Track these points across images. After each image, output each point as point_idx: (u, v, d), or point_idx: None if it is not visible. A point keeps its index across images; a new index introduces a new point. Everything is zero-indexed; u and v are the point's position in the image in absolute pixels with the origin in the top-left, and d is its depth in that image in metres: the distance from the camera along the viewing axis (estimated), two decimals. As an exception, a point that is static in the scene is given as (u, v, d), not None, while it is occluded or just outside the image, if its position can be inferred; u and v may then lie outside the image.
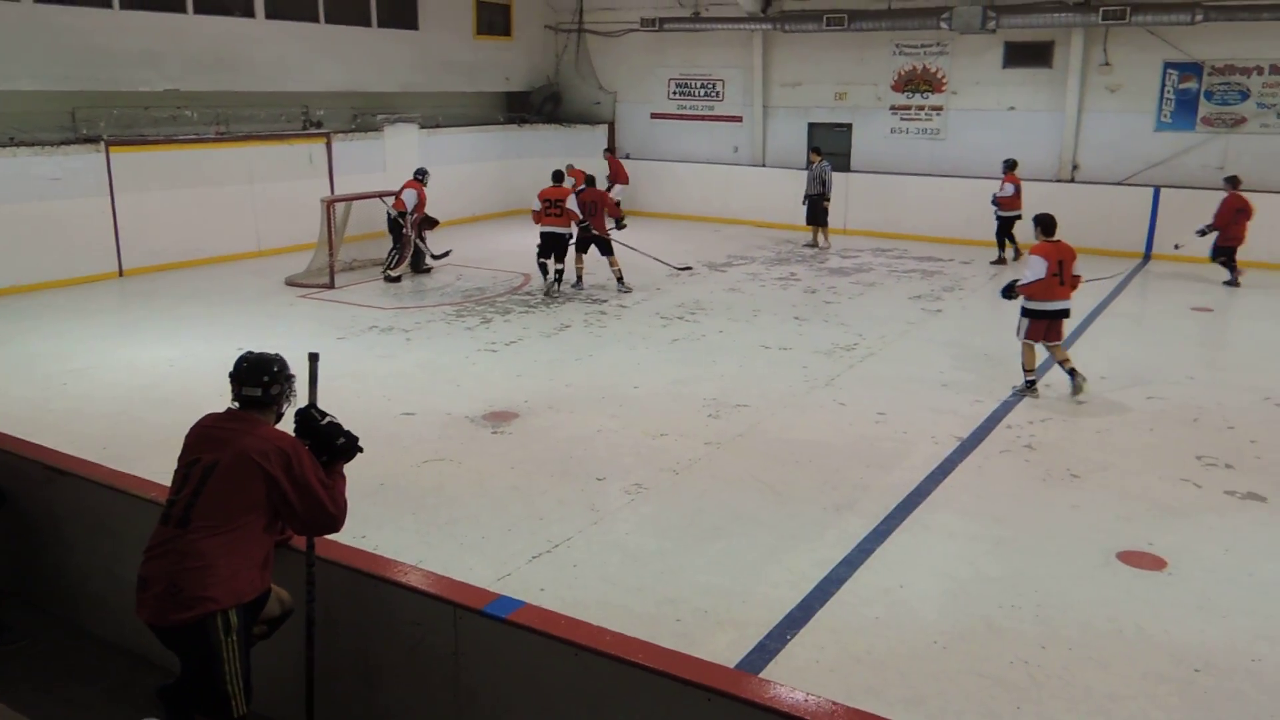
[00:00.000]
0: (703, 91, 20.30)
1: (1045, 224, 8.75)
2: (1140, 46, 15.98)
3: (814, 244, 16.83)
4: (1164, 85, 16.01)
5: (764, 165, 19.62)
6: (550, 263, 12.79)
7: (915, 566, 5.81)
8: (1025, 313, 8.75)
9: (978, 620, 5.20)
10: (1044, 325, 8.71)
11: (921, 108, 18.06)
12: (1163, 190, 15.74)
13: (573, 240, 12.87)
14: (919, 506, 6.60)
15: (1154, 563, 5.84)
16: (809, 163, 17.06)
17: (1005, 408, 8.57)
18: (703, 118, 20.30)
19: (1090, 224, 15.39)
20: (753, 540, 6.14)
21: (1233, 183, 13.55)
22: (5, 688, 3.80)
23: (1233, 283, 13.60)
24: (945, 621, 5.20)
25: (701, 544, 6.09)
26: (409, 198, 13.74)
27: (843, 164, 18.69)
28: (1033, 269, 8.53)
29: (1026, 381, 8.92)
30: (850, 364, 9.93)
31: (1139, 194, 15.95)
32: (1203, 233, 13.54)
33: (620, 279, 13.10)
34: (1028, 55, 16.98)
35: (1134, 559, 5.87)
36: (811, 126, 19.17)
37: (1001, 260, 15.33)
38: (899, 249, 16.52)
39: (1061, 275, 8.54)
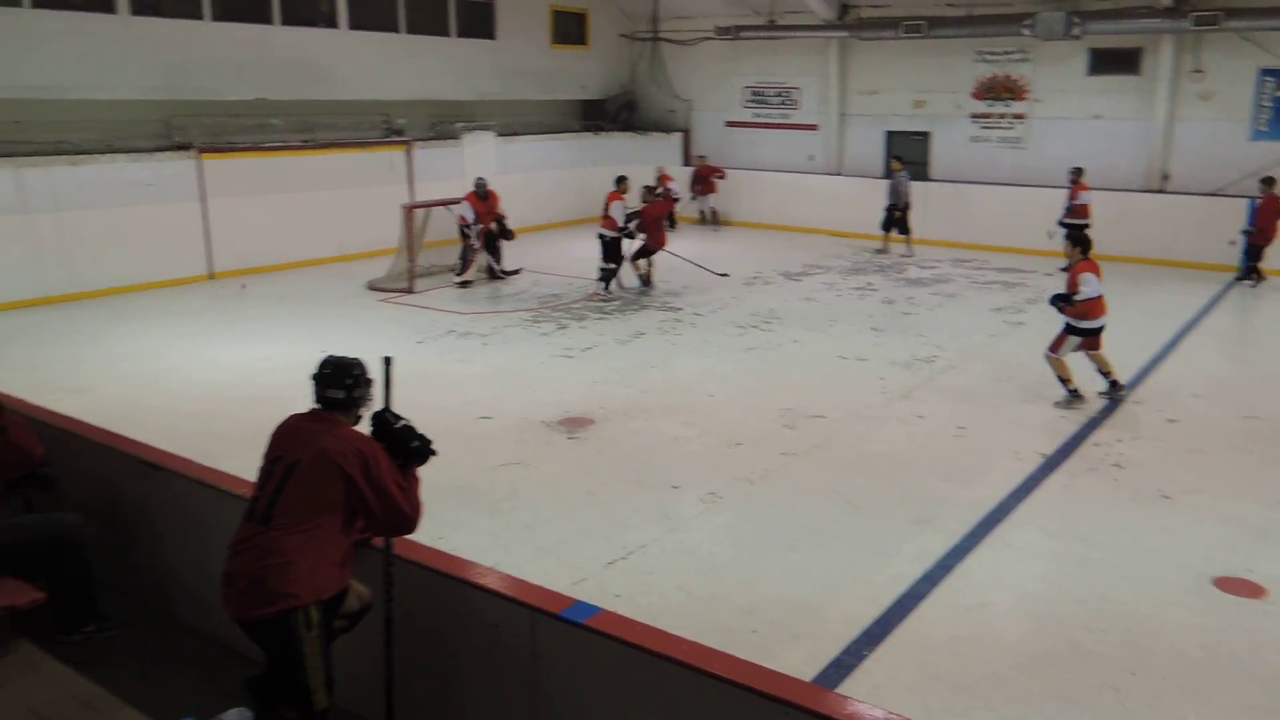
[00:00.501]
0: (778, 99, 20.20)
1: (1085, 242, 8.88)
2: (1234, 53, 15.41)
3: (884, 250, 16.94)
4: (1259, 92, 15.43)
5: (840, 174, 19.42)
6: (600, 262, 13.40)
7: (997, 585, 5.67)
8: (1072, 330, 8.78)
9: (1063, 643, 5.04)
10: (1086, 341, 8.81)
11: (1003, 116, 17.70)
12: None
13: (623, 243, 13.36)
14: (1001, 524, 6.44)
15: (1252, 590, 5.60)
16: (889, 172, 17.01)
17: (1092, 424, 8.33)
18: (778, 126, 20.20)
19: (1181, 236, 14.95)
20: (829, 553, 6.06)
21: (1269, 184, 13.77)
22: (105, 673, 3.92)
23: (1256, 278, 14.02)
24: (1029, 643, 5.06)
25: (777, 555, 6.03)
26: (466, 211, 13.86)
27: (920, 173, 18.41)
28: (1090, 286, 8.51)
29: (1071, 391, 8.84)
30: (929, 376, 9.75)
31: (1232, 205, 15.37)
32: (1247, 234, 13.93)
33: (645, 280, 13.59)
34: (1114, 62, 16.50)
35: (1231, 585, 5.63)
36: (889, 135, 18.92)
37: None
38: (979, 260, 16.20)
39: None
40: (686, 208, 19.41)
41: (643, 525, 6.37)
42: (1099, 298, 8.58)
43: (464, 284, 13.85)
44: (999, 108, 17.74)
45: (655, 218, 13.53)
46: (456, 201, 14.19)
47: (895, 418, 8.56)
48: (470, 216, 13.82)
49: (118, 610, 4.62)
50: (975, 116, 17.96)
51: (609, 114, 21.56)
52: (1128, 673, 4.78)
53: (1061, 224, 14.49)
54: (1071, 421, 8.37)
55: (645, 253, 13.53)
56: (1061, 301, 8.78)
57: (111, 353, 10.37)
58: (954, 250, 17.05)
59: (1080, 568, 5.87)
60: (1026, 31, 16.20)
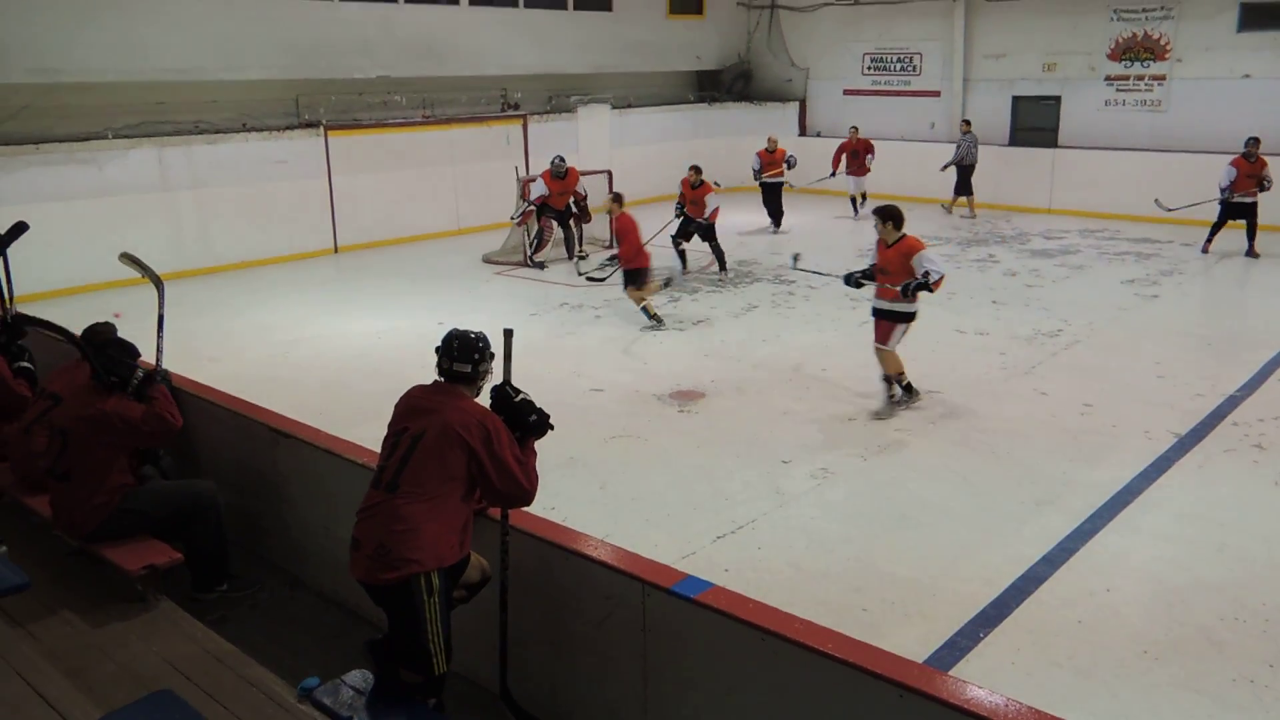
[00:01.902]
0: (899, 66, 19.61)
1: (897, 217, 7.70)
2: (1406, 2, 14.21)
3: (950, 210, 17.36)
4: None
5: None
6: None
7: (1124, 570, 5.44)
8: (908, 318, 7.83)
9: (1194, 631, 4.82)
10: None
11: (1141, 77, 16.74)
12: None
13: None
14: (1129, 506, 6.17)
15: None
16: (963, 133, 17.01)
17: (1231, 403, 7.88)
18: (898, 93, 19.62)
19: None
20: (944, 532, 5.93)
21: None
22: (235, 630, 4.15)
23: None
24: (1156, 630, 4.85)
25: (890, 533, 5.93)
26: (539, 188, 13.44)
27: (1049, 139, 17.65)
28: (940, 262, 7.66)
29: (906, 385, 8.00)
30: (1053, 351, 9.38)
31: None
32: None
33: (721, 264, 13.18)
34: (1268, 16, 15.37)
35: (1384, 576, 5.28)
36: (1016, 100, 18.16)
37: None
38: (1110, 230, 15.44)
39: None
40: (830, 185, 17.93)
41: (753, 500, 6.35)
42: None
43: (540, 265, 13.56)
44: (1136, 69, 16.79)
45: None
46: (589, 174, 14.23)
47: (1016, 394, 8.27)
48: (541, 193, 13.41)
49: (249, 571, 4.87)
50: (1110, 79, 17.05)
51: (724, 84, 21.33)
52: (1266, 664, 4.53)
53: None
54: (1209, 400, 7.93)
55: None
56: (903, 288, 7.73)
57: (244, 324, 10.88)
58: (1083, 220, 16.30)
59: (1215, 554, 5.58)
60: (1169, -14, 15.29)
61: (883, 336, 7.89)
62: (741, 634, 3.18)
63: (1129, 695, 4.38)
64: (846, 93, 20.25)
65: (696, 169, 13.08)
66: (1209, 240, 13.59)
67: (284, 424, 4.93)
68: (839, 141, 18.13)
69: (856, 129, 17.30)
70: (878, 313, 7.93)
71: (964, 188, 16.96)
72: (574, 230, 14.03)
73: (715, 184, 13.41)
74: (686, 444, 7.35)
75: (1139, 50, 16.72)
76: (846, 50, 20.09)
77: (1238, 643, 4.72)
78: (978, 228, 15.93)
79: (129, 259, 4.99)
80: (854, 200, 17.34)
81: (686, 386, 8.50)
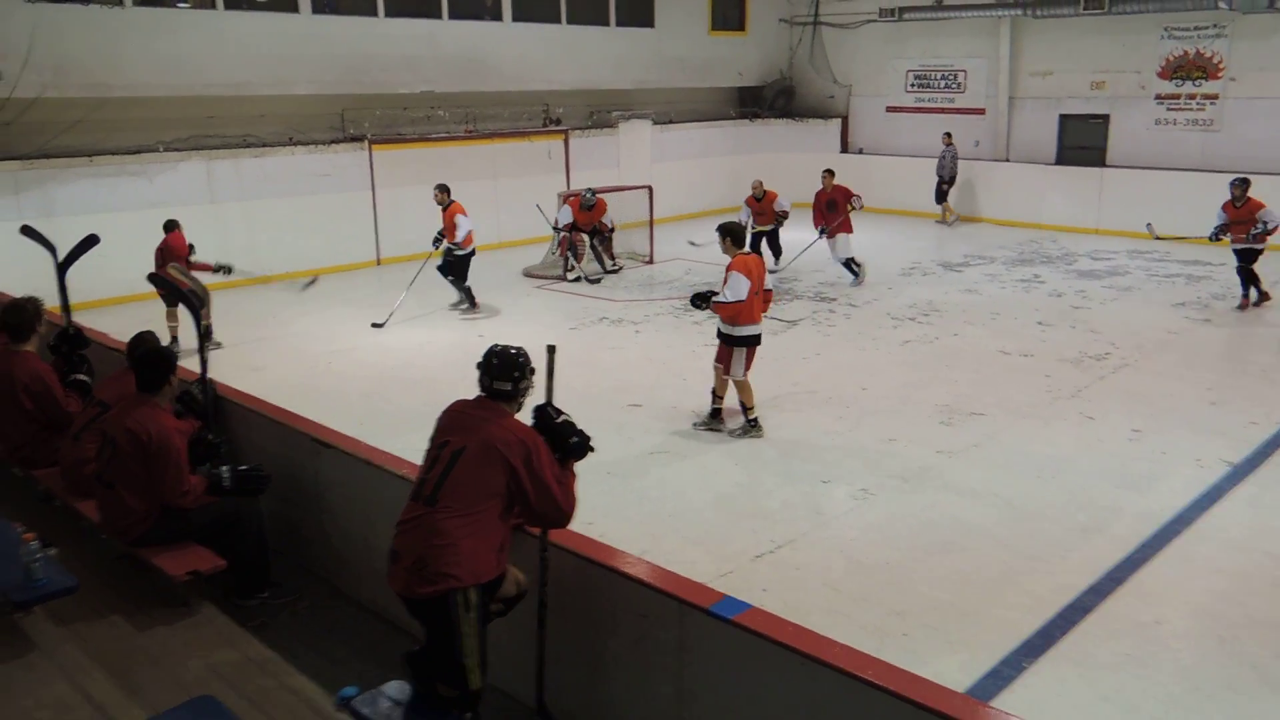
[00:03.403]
0: (943, 83, 19.48)
1: (733, 234, 7.53)
2: None
3: (945, 220, 17.87)
4: None
5: (1007, 160, 18.57)
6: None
7: (1174, 602, 5.31)
8: (736, 341, 7.58)
9: (1248, 669, 4.68)
10: (752, 353, 7.65)
11: (1193, 96, 16.49)
12: None
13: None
14: (1180, 535, 6.03)
15: None
16: (945, 145, 17.85)
17: (1286, 431, 7.69)
18: (942, 110, 19.47)
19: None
20: (987, 557, 5.82)
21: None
22: (275, 638, 4.17)
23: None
24: (1209, 666, 4.72)
25: (931, 556, 5.84)
26: (564, 215, 13.61)
27: (1097, 158, 17.42)
28: (734, 287, 7.34)
29: (751, 420, 7.74)
30: (1101, 375, 9.21)
31: None
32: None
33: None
34: (1324, 36, 15.12)
35: None
36: (1063, 118, 17.95)
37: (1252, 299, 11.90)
38: (1160, 251, 15.16)
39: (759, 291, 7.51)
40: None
41: (792, 519, 6.28)
42: (752, 299, 7.42)
43: (577, 279, 13.67)
44: (1188, 87, 16.54)
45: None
46: (615, 190, 14.30)
47: (1062, 418, 8.13)
48: (562, 220, 13.61)
49: (290, 579, 4.89)
50: (1161, 97, 16.81)
51: (766, 101, 21.32)
52: (1323, 705, 4.39)
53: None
54: (1264, 428, 7.74)
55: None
56: (699, 300, 7.64)
57: (287, 333, 11.00)
58: (1132, 241, 16.03)
59: (1271, 588, 5.43)
60: (1224, 4, 15.04)
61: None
62: (780, 657, 3.13)
63: (1180, 731, 4.26)
64: (889, 110, 20.14)
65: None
66: (1244, 294, 11.78)
67: (326, 434, 4.96)
68: (879, 159, 18.16)
69: (831, 173, 13.51)
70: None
71: (941, 196, 17.99)
72: (598, 248, 14.15)
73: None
74: (725, 461, 7.30)
75: (1191, 69, 16.48)
76: (890, 67, 19.99)
77: (1293, 679, 4.57)
78: (1024, 248, 15.73)
79: (178, 270, 5.06)
80: (849, 265, 13.23)
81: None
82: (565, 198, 14.12)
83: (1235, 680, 4.59)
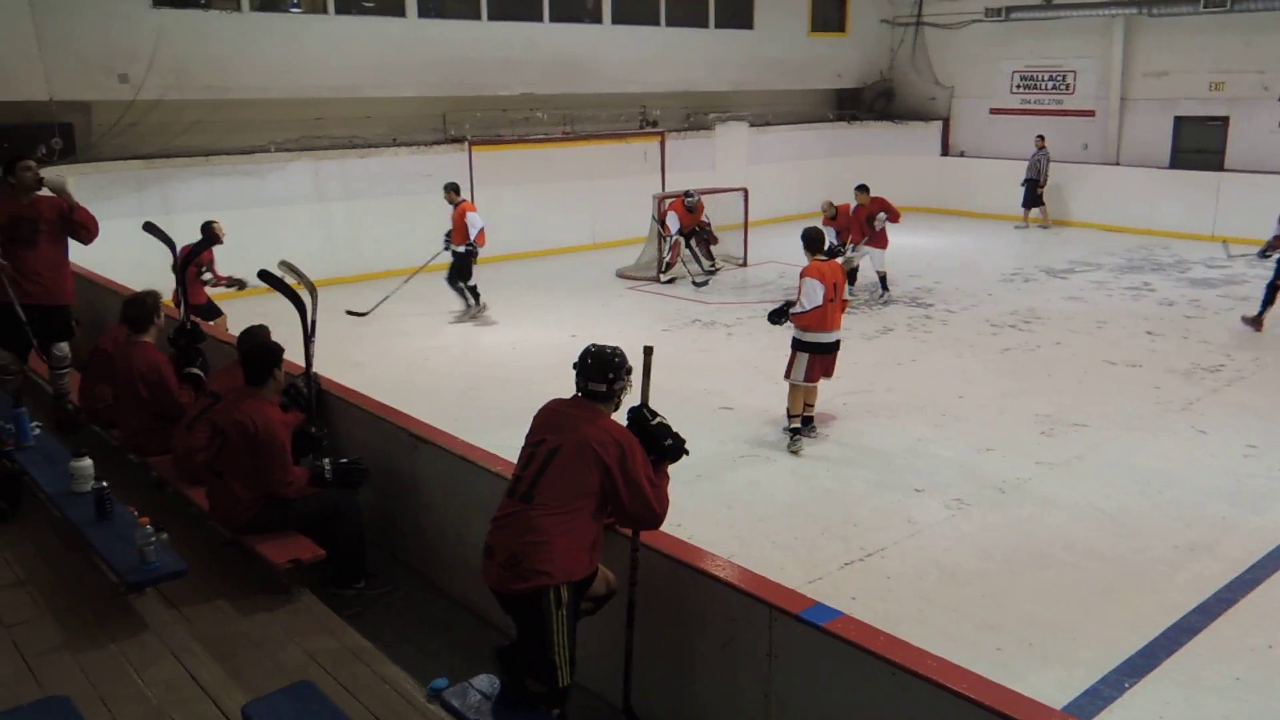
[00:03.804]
0: (1050, 84, 18.90)
1: (811, 240, 7.44)
2: None
3: (1025, 227, 17.62)
4: None
5: (1117, 163, 17.92)
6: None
7: (1289, 626, 5.06)
8: (800, 346, 7.42)
9: (1371, 699, 4.43)
10: (820, 360, 7.45)
11: (1320, 98, 15.65)
12: None
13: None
14: (1297, 557, 5.74)
15: None
16: (1037, 148, 17.57)
17: None
18: (1048, 112, 18.90)
19: None
20: (1088, 572, 5.64)
21: None
22: (370, 627, 4.29)
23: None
24: (1326, 694, 4.48)
25: (1028, 570, 5.68)
26: (671, 221, 13.57)
27: (1215, 162, 16.67)
28: (808, 294, 7.22)
29: (793, 429, 7.52)
30: (1214, 387, 8.82)
31: None
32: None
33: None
34: None
35: None
36: (1179, 120, 17.24)
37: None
38: (1281, 260, 14.43)
39: (836, 298, 7.34)
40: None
41: (883, 527, 6.19)
42: (826, 305, 7.30)
43: (669, 281, 13.70)
44: (1316, 88, 15.71)
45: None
46: (709, 192, 14.28)
47: (1171, 430, 7.82)
48: (674, 227, 13.59)
49: (385, 571, 5.02)
50: (1286, 99, 16.00)
51: (865, 103, 21.01)
52: None
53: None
54: (1392, 447, 7.32)
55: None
56: (776, 314, 7.54)
57: (388, 330, 11.28)
58: (1252, 248, 15.25)
59: (1396, 616, 5.13)
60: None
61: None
62: (871, 666, 3.09)
63: (1293, 763, 4.06)
64: (993, 112, 19.64)
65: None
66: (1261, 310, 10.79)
67: (423, 429, 5.08)
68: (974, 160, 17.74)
69: (865, 189, 12.39)
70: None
71: (1033, 200, 17.60)
72: (697, 249, 14.12)
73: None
74: (817, 467, 7.23)
75: (1318, 68, 15.65)
76: (995, 68, 19.49)
77: None
78: (1133, 255, 15.15)
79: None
80: (881, 278, 12.54)
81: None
82: (660, 200, 14.17)
83: (1356, 712, 4.36)
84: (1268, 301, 10.64)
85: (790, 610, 3.36)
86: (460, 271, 11.76)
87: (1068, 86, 18.65)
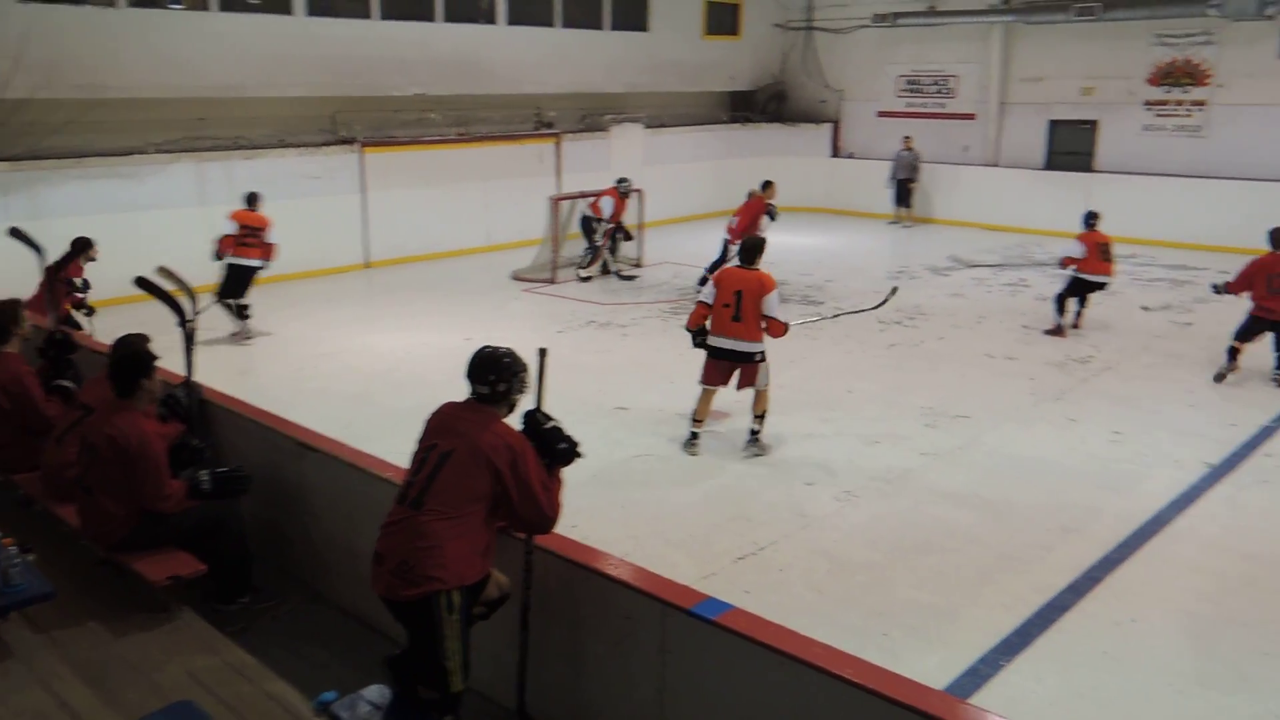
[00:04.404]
0: (934, 88, 19.56)
1: (743, 250, 7.34)
2: None
3: (898, 223, 18.49)
4: None
5: (997, 165, 18.66)
6: None
7: (1151, 601, 5.36)
8: (700, 344, 7.40)
9: (1222, 666, 4.74)
10: (714, 366, 7.38)
11: (1181, 103, 16.58)
12: None
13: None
14: (1157, 536, 6.10)
15: None
16: (904, 149, 18.46)
17: (1265, 433, 7.77)
18: (932, 115, 19.55)
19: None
20: (968, 558, 5.87)
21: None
22: (256, 643, 4.18)
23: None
24: (1183, 663, 4.78)
25: (912, 557, 5.89)
26: (605, 205, 13.77)
27: (1085, 164, 17.53)
28: (704, 292, 7.37)
29: (692, 434, 7.51)
30: (1084, 378, 9.28)
31: None
32: (1219, 290, 9.73)
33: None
34: (1311, 43, 15.24)
35: None
36: (1052, 124, 18.04)
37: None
38: (1145, 256, 15.25)
39: (738, 308, 7.11)
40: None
41: (775, 521, 6.32)
42: (720, 310, 7.27)
43: (587, 279, 13.84)
44: (1177, 94, 16.64)
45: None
46: (602, 194, 14.34)
47: (1045, 420, 8.20)
48: (607, 212, 13.77)
49: (272, 584, 4.90)
50: (1150, 104, 16.90)
51: (758, 105, 21.39)
52: (1296, 704, 4.45)
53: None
54: (1242, 430, 7.83)
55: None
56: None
57: (275, 337, 10.99)
58: (1118, 246, 16.04)
59: (1245, 586, 5.49)
60: (1213, 12, 15.17)
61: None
62: (761, 657, 3.17)
63: (1154, 730, 4.31)
64: (880, 114, 20.21)
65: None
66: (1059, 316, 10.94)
67: (310, 437, 4.98)
68: (870, 164, 18.29)
69: (770, 183, 12.87)
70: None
71: (905, 198, 18.57)
72: (617, 249, 14.27)
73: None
74: (709, 464, 7.34)
75: (1180, 75, 16.58)
76: (881, 72, 20.07)
77: (1267, 679, 4.64)
78: (1010, 253, 15.80)
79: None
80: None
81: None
82: (557, 201, 14.16)
83: (1209, 677, 4.65)
84: (1060, 311, 10.85)
85: (682, 606, 3.42)
86: (239, 285, 10.77)
87: (950, 91, 19.33)
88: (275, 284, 13.55)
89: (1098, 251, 10.70)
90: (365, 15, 14.77)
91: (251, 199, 11.14)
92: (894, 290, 9.82)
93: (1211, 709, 4.42)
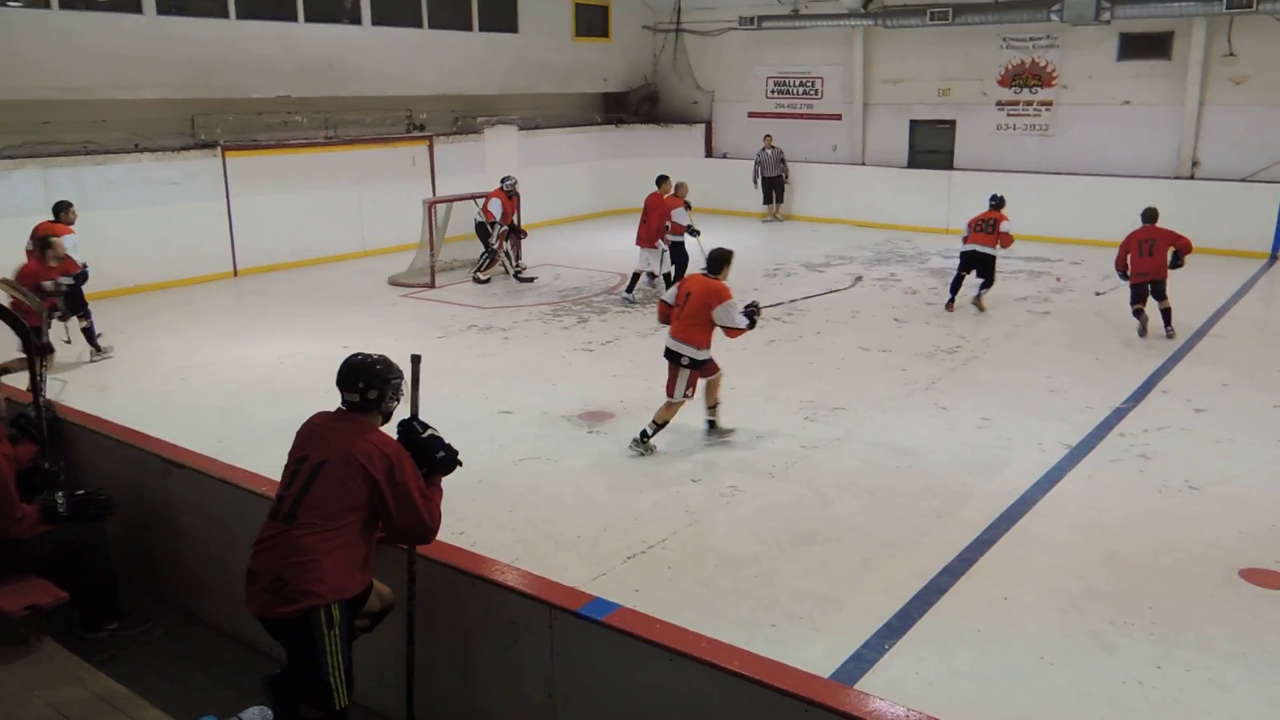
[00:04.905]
0: (801, 89, 20.07)
1: (710, 260, 7.58)
2: (1267, 35, 15.16)
3: (772, 219, 19.16)
4: (1293, 75, 15.19)
5: (863, 164, 19.29)
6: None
7: (1020, 578, 5.62)
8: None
9: (1087, 637, 5.00)
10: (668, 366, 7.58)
11: (1030, 103, 17.49)
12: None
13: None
14: (1024, 516, 6.39)
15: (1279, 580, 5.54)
16: (764, 148, 19.14)
17: (1118, 415, 8.24)
18: (800, 116, 20.07)
19: (1212, 223, 14.68)
20: (850, 546, 6.04)
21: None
22: (127, 670, 3.98)
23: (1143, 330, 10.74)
24: (1052, 637, 5.02)
25: (797, 548, 6.01)
26: (494, 207, 13.69)
27: (945, 162, 18.28)
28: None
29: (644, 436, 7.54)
30: (952, 367, 9.67)
31: (1265, 191, 15.15)
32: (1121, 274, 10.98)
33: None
34: (1144, 47, 16.27)
35: (1259, 577, 5.56)
36: (914, 124, 18.76)
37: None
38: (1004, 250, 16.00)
39: (683, 309, 7.43)
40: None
41: (663, 519, 6.37)
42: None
43: (484, 281, 13.79)
44: (1025, 95, 17.54)
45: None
46: (478, 196, 14.19)
47: (917, 409, 8.50)
48: (497, 213, 13.69)
49: (140, 608, 4.67)
50: (1001, 104, 17.77)
51: (631, 106, 21.52)
52: (1153, 666, 4.73)
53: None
54: (1097, 412, 8.28)
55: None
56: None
57: (136, 351, 10.46)
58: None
59: (1105, 560, 5.81)
60: (1055, 16, 16.04)
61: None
62: (650, 655, 3.19)
63: (1027, 700, 4.52)
64: (751, 115, 20.61)
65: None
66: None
67: (178, 454, 4.76)
68: (736, 161, 18.73)
69: (665, 178, 13.11)
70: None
71: (769, 196, 19.25)
72: (516, 249, 14.17)
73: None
74: (596, 465, 7.34)
75: (1028, 77, 17.47)
76: (750, 74, 20.48)
77: (1127, 646, 4.91)
78: (880, 249, 16.34)
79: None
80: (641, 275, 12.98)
81: (596, 407, 8.50)
82: (431, 205, 13.93)
83: (1076, 648, 4.90)
84: (955, 290, 12.06)
85: (569, 608, 3.41)
86: (73, 305, 9.79)
87: (816, 92, 19.87)
88: (136, 295, 12.95)
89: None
90: (222, 15, 14.20)
91: (59, 209, 10.32)
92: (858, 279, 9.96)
93: (1079, 678, 4.66)
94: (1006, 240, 11.99)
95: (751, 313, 7.43)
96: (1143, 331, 10.62)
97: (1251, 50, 15.36)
